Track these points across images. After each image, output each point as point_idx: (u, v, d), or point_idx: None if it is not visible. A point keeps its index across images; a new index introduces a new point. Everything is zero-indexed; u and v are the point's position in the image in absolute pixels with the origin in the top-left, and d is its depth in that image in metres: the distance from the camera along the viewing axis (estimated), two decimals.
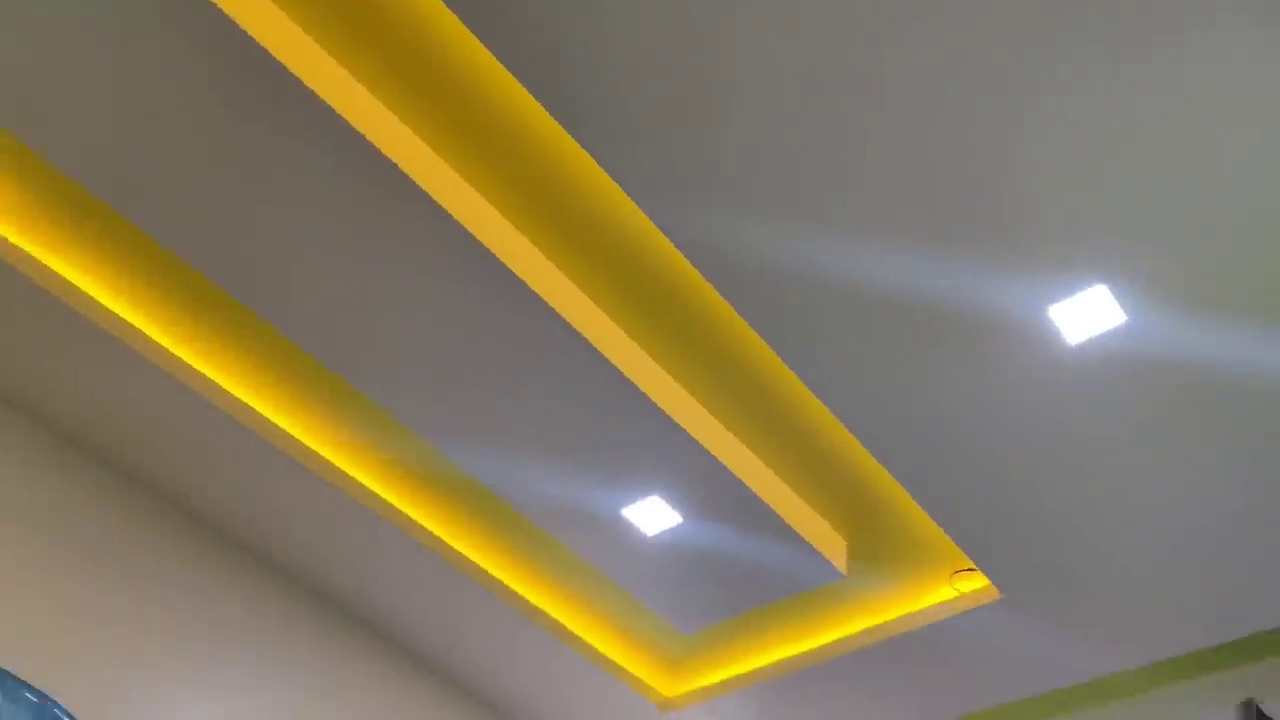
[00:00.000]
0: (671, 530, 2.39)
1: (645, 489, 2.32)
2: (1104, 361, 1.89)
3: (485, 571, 2.61)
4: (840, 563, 2.43)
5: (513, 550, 2.64)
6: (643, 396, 2.12)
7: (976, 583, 2.47)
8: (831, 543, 2.43)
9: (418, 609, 2.67)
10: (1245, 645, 2.51)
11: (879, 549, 2.49)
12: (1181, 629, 2.44)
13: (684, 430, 2.17)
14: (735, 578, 2.48)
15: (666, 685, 2.92)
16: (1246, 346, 1.81)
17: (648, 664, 2.89)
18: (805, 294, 1.88)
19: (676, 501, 2.33)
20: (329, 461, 2.34)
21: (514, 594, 2.68)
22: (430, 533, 2.50)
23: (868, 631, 2.60)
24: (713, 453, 2.21)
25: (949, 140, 1.65)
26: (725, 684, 2.82)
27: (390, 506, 2.43)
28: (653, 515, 2.38)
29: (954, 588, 2.50)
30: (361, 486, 2.39)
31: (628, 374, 2.09)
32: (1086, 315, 1.84)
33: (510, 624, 2.68)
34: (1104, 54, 1.53)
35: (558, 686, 2.90)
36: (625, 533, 2.43)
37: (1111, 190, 1.68)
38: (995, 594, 2.42)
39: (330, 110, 1.71)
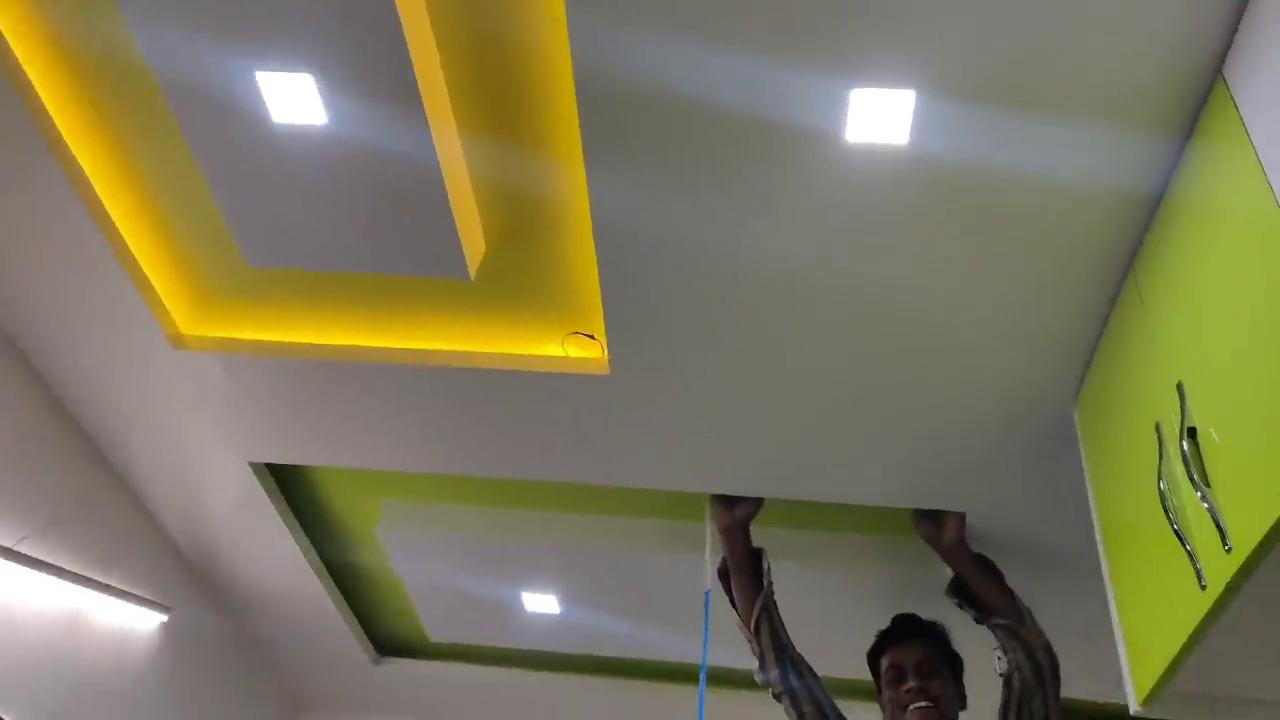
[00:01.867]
0: (311, 130, 1.86)
1: (294, 61, 1.78)
2: (877, 166, 1.74)
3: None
4: (472, 266, 2.09)
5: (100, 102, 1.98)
6: None
7: (589, 350, 2.27)
8: (473, 241, 2.08)
9: None
10: None
11: (517, 274, 2.20)
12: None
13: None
14: (344, 219, 2.02)
15: (192, 321, 2.39)
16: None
17: (185, 290, 2.33)
18: None
19: (331, 91, 1.81)
20: None
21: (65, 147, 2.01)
22: None
23: (454, 354, 2.31)
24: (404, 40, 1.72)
25: None
26: (260, 345, 2.36)
27: None
28: (294, 98, 1.83)
29: (563, 347, 2.28)
30: None
31: None
32: (868, 118, 1.68)
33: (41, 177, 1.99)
34: None
35: (64, 273, 2.24)
36: (250, 113, 1.86)
37: None
38: (604, 368, 2.24)
39: None
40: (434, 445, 2.54)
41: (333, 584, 3.21)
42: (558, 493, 2.76)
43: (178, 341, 2.37)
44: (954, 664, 2.35)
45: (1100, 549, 1.88)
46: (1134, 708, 1.67)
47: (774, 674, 2.30)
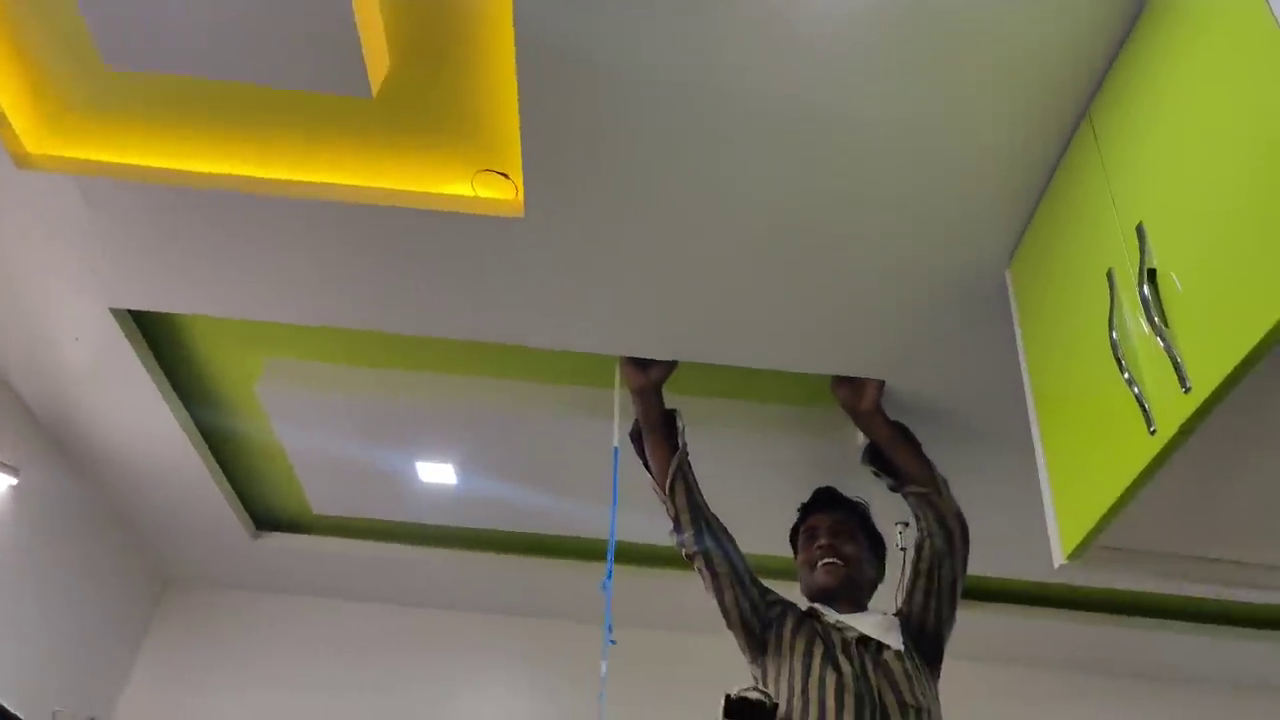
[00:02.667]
0: None
1: None
2: None
3: None
4: (374, 80, 1.85)
5: None
6: None
7: (501, 191, 2.08)
8: (376, 51, 1.84)
9: None
10: None
11: (424, 99, 1.97)
12: None
13: None
14: (226, 15, 1.75)
15: (41, 137, 2.08)
16: None
17: (31, 98, 2.02)
18: None
19: None
20: None
21: None
22: None
23: (349, 189, 2.08)
24: None
25: None
26: (123, 168, 2.08)
27: None
28: None
29: (473, 186, 2.08)
30: None
31: None
32: None
33: None
34: None
35: None
36: None
37: None
38: (518, 210, 2.05)
39: None
40: (322, 294, 2.32)
41: (206, 449, 2.97)
42: (459, 352, 2.59)
43: (23, 160, 2.06)
44: (873, 539, 2.33)
45: (1031, 408, 1.83)
46: (1059, 561, 1.64)
47: (688, 535, 2.23)
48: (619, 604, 3.39)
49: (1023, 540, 2.99)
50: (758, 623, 2.18)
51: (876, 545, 2.33)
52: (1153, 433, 1.36)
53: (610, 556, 2.30)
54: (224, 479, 3.13)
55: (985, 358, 2.28)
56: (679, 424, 2.34)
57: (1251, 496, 1.52)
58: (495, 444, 2.85)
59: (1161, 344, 1.33)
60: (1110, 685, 3.72)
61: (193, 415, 2.86)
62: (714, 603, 2.21)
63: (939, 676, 2.16)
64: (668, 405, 2.40)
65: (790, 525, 2.40)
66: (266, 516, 3.40)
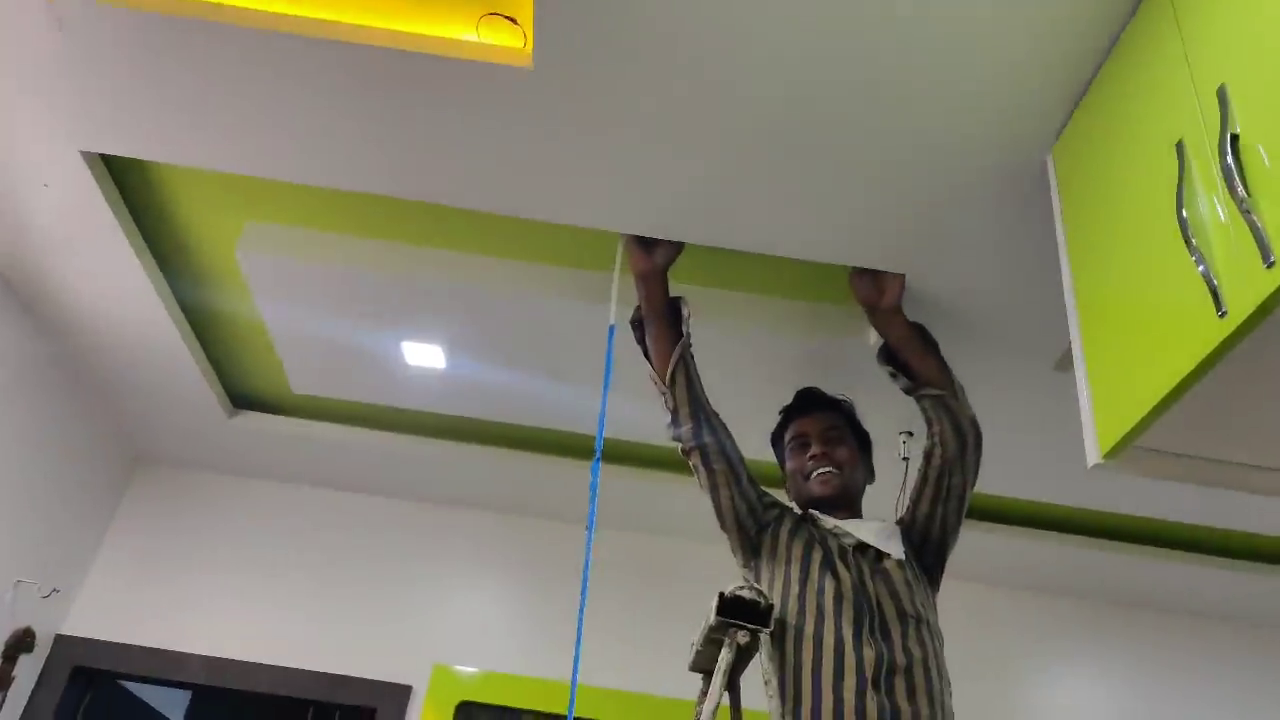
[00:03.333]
0: None
1: None
2: None
3: None
4: None
5: None
6: None
7: (508, 38, 1.90)
8: None
9: None
10: None
11: None
12: None
13: None
14: None
15: None
16: None
17: None
18: None
19: None
20: None
21: None
22: None
23: (344, 27, 1.89)
24: None
25: None
26: None
27: None
28: None
29: (478, 30, 1.91)
30: None
31: None
32: None
33: None
34: None
35: None
36: None
37: None
38: (525, 60, 1.88)
39: None
40: (310, 147, 2.15)
41: (182, 317, 2.83)
42: (453, 226, 2.43)
43: None
44: (861, 439, 2.23)
45: (1070, 301, 1.70)
46: (1094, 460, 1.54)
47: (686, 429, 2.10)
48: (609, 505, 3.33)
49: (1033, 456, 2.93)
50: (753, 524, 2.08)
51: (865, 445, 2.24)
52: (1222, 315, 1.24)
53: (600, 432, 2.18)
54: (200, 351, 2.99)
55: (1016, 254, 2.15)
56: (684, 312, 2.21)
57: None
58: (488, 327, 2.71)
59: (1244, 216, 1.20)
60: (1099, 611, 3.69)
61: (169, 280, 2.71)
62: (708, 502, 2.11)
63: (939, 588, 2.07)
64: (671, 294, 2.26)
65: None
66: (243, 394, 3.27)
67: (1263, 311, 1.18)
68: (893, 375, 2.19)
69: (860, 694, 1.77)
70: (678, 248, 2.25)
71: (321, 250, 2.53)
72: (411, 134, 2.07)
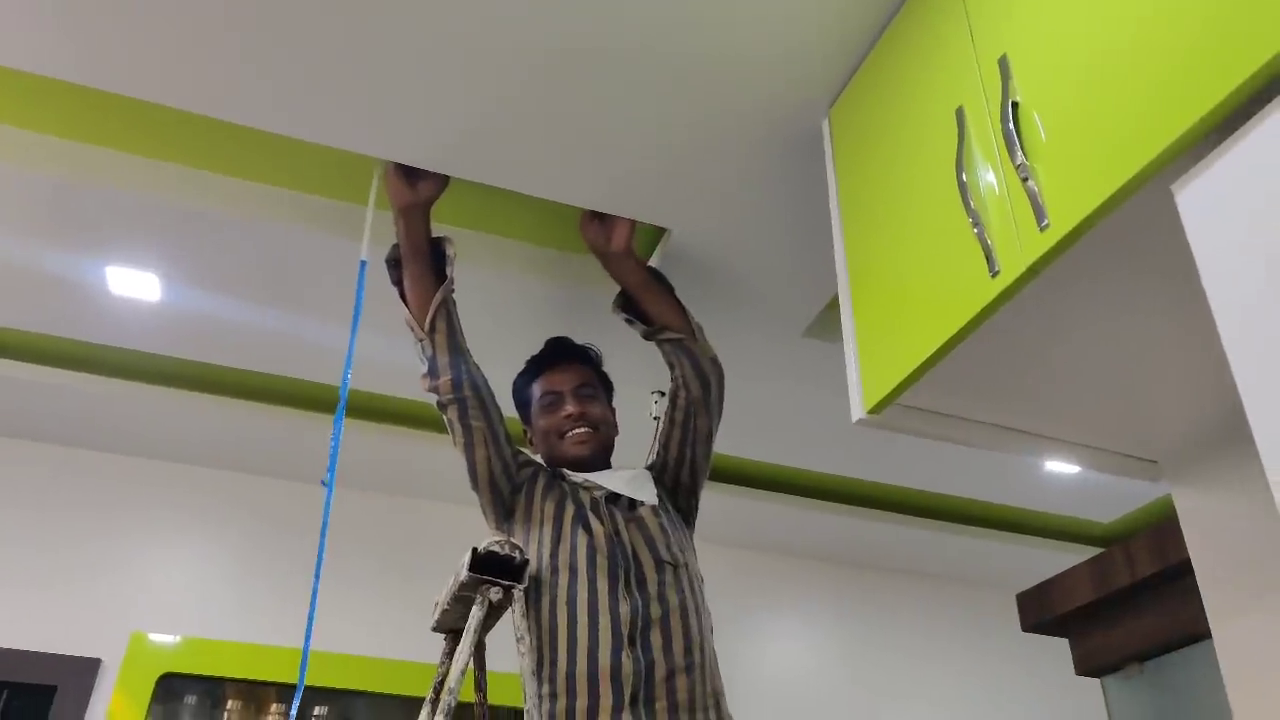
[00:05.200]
0: None
1: None
2: None
3: None
4: None
5: None
6: None
7: None
8: None
9: None
10: None
11: None
12: None
13: None
14: None
15: None
16: None
17: None
18: None
19: None
20: None
21: None
22: None
23: None
24: None
25: None
26: None
27: None
28: None
29: None
30: None
31: None
32: None
33: None
34: None
35: None
36: None
37: None
38: None
39: None
40: (20, 20, 1.79)
41: None
42: (181, 131, 2.13)
43: None
44: (608, 389, 2.20)
45: (841, 260, 1.74)
46: (858, 415, 1.57)
47: (444, 379, 1.96)
48: (351, 462, 3.11)
49: (773, 421, 3.03)
50: (507, 485, 1.99)
51: (610, 393, 2.20)
52: (994, 274, 1.29)
53: (345, 381, 1.98)
54: None
55: (779, 216, 2.18)
56: (449, 253, 2.06)
57: (1057, 367, 1.50)
58: (215, 257, 2.42)
59: (1022, 181, 1.25)
60: (805, 567, 3.92)
61: None
62: (461, 460, 1.98)
63: (694, 528, 2.08)
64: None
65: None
66: None
67: (1032, 272, 1.24)
68: (629, 322, 2.15)
69: (616, 652, 1.73)
70: (443, 182, 2.09)
71: (19, 152, 2.14)
72: (148, 16, 1.77)
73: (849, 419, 1.62)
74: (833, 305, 2.51)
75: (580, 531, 1.87)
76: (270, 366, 2.86)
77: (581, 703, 1.69)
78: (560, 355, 2.15)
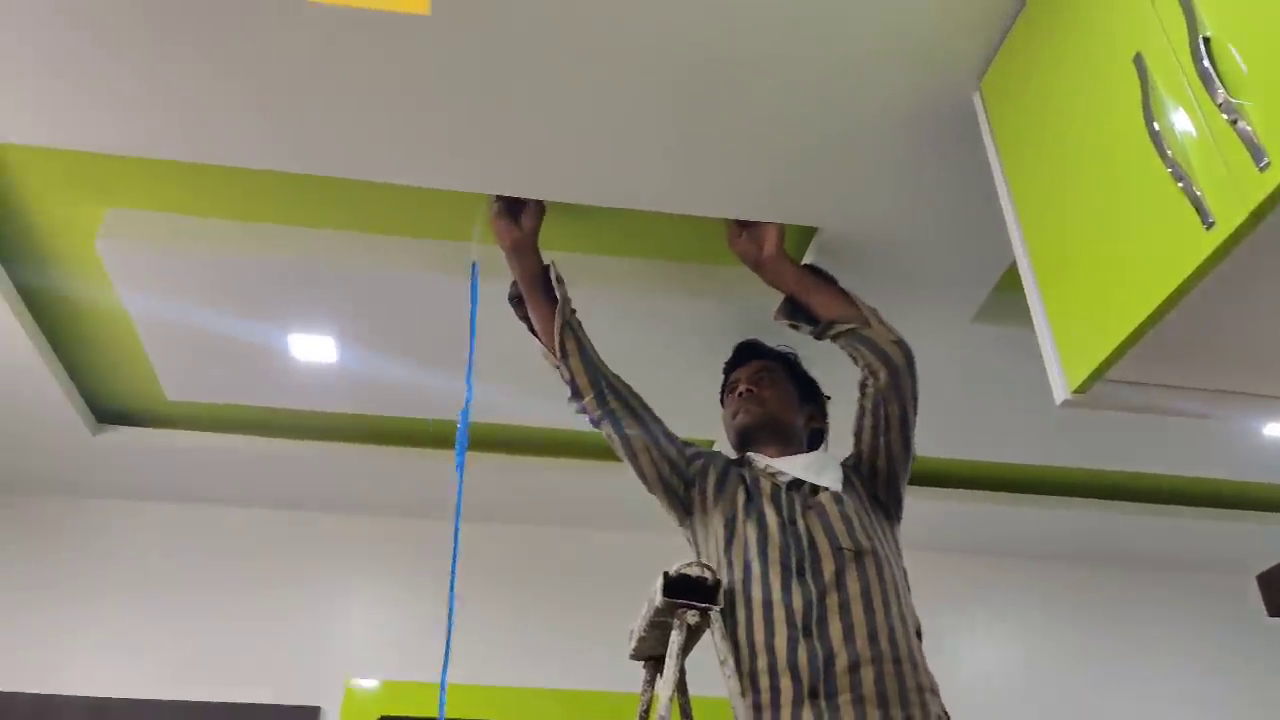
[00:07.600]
0: None
1: None
2: None
3: None
4: None
5: None
6: None
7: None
8: None
9: None
10: None
11: None
12: None
13: None
14: None
15: None
16: None
17: None
18: None
19: None
20: None
21: None
22: None
23: None
24: None
25: None
26: None
27: None
28: None
29: None
30: None
31: None
32: None
33: None
34: None
35: None
36: None
37: None
38: (422, 6, 1.70)
39: None
40: (176, 118, 1.91)
41: (33, 322, 2.52)
42: (334, 197, 2.21)
43: None
44: (806, 385, 2.16)
45: (1017, 236, 1.64)
46: (1062, 396, 1.47)
47: (589, 398, 2.00)
48: (501, 497, 3.16)
49: (951, 413, 2.89)
50: (679, 481, 2.00)
51: (811, 392, 2.16)
52: (1209, 226, 1.18)
53: (469, 389, 2.03)
54: (57, 362, 2.67)
55: (934, 202, 2.09)
56: (554, 274, 2.09)
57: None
58: (379, 313, 2.50)
59: (1230, 121, 1.14)
60: (1006, 566, 3.73)
61: (14, 277, 2.39)
62: (630, 470, 2.01)
63: (899, 520, 2.00)
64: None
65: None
66: (110, 407, 2.95)
67: (1256, 216, 1.12)
68: (794, 327, 2.11)
69: (792, 644, 1.69)
70: (541, 210, 2.12)
71: (193, 237, 2.28)
72: (286, 93, 1.85)
73: (1034, 404, 1.52)
74: (1001, 286, 2.38)
75: (752, 524, 1.86)
76: (432, 412, 2.91)
77: (765, 698, 1.67)
78: (740, 355, 2.19)
